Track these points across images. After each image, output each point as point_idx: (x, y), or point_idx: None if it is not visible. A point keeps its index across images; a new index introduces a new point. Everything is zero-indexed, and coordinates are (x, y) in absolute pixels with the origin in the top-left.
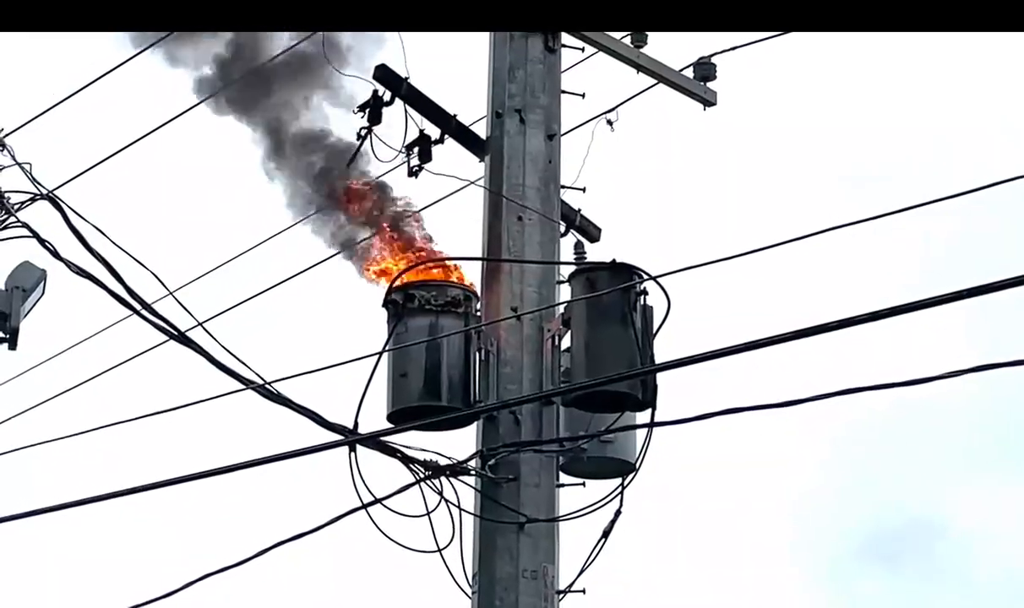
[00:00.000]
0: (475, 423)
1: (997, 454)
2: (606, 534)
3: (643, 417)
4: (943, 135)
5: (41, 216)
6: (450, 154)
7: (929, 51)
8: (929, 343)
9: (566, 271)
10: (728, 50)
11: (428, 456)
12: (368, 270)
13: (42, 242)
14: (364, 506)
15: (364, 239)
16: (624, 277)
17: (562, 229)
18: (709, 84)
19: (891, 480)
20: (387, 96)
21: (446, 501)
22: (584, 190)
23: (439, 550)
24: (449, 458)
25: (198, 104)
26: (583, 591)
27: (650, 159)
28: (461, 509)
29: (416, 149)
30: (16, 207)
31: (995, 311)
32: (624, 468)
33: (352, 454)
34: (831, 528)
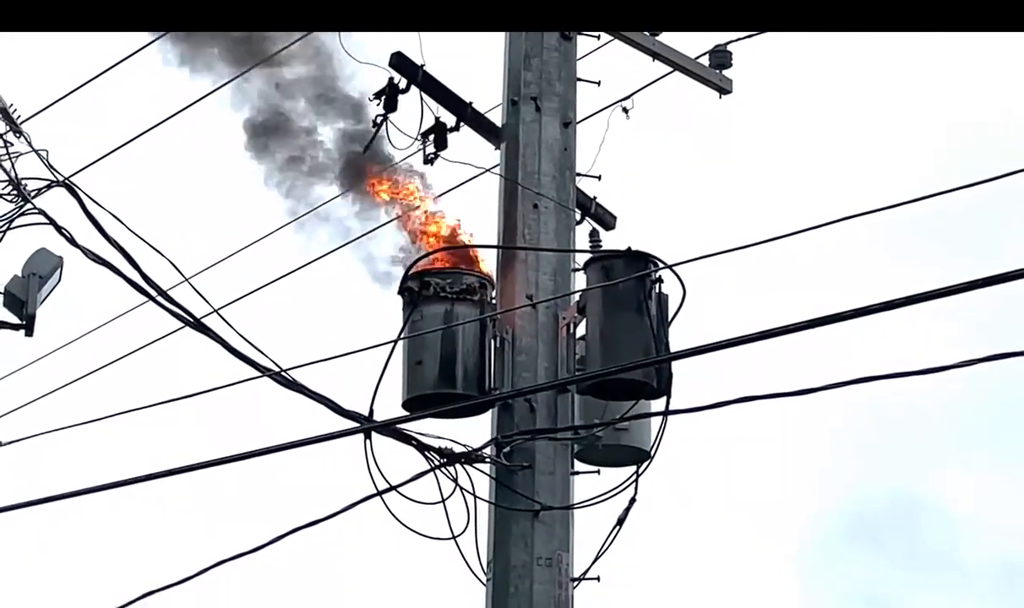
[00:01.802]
0: (490, 411)
1: (985, 436)
2: (621, 522)
3: (658, 405)
4: (956, 126)
5: (58, 203)
6: (466, 142)
7: (946, 40)
8: (939, 333)
9: (581, 259)
10: (744, 38)
11: (443, 443)
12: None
13: (59, 229)
14: (379, 493)
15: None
16: (639, 265)
17: (577, 217)
18: (725, 72)
19: (878, 461)
20: (403, 83)
21: (461, 488)
22: (600, 178)
23: (454, 537)
24: (464, 445)
25: (214, 91)
26: (598, 579)
27: (666, 147)
28: (476, 496)
29: (432, 137)
30: (33, 194)
31: (1003, 302)
32: (639, 456)
33: (367, 441)
34: (816, 509)
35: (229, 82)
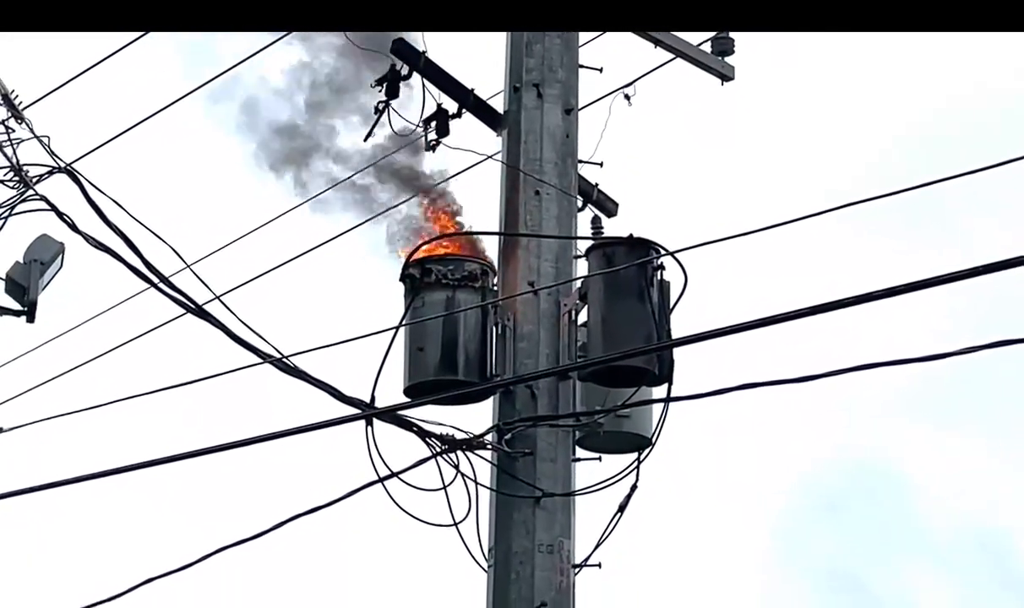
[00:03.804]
0: (492, 397)
1: (948, 404)
2: (622, 508)
3: (659, 392)
4: (967, 109)
5: (59, 189)
6: (468, 128)
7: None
8: (946, 318)
9: (583, 246)
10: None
11: (445, 430)
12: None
13: (60, 215)
14: (381, 480)
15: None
16: (641, 252)
17: (579, 204)
18: (727, 59)
19: (841, 428)
20: (405, 70)
21: (462, 475)
22: (601, 165)
23: (455, 524)
24: (466, 432)
25: (215, 78)
26: (599, 565)
27: (668, 134)
28: (477, 483)
29: (433, 123)
30: (34, 180)
31: (1007, 289)
32: (640, 443)
33: (369, 428)
34: (781, 480)
35: (230, 70)
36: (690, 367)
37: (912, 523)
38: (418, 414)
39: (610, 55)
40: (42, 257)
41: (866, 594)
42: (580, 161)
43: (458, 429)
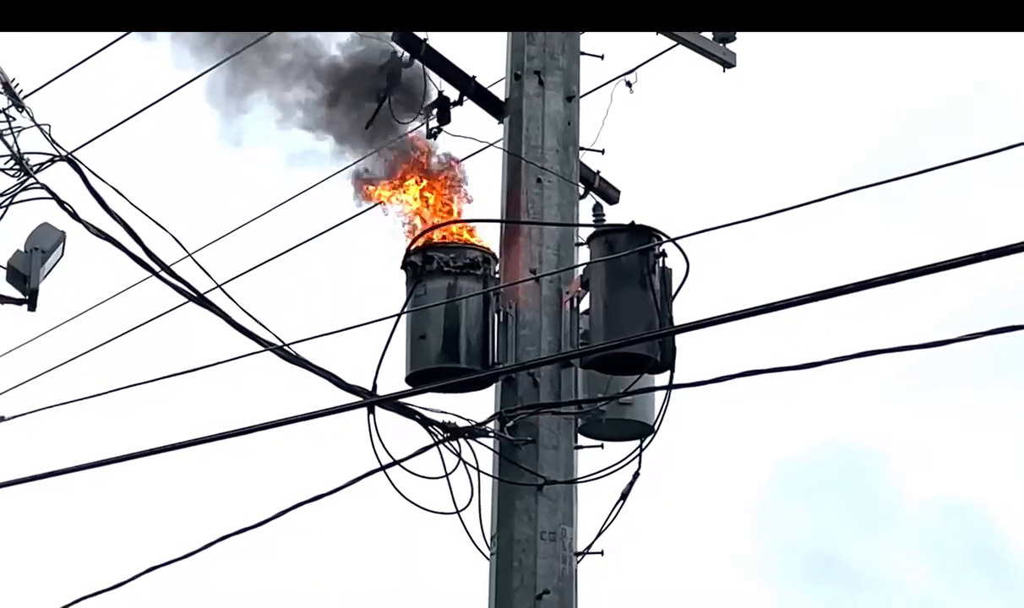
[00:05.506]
0: (494, 385)
1: (925, 384)
2: (624, 496)
3: (661, 379)
4: (972, 96)
5: (60, 178)
6: (469, 116)
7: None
8: (947, 306)
9: (585, 233)
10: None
11: (447, 418)
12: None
13: (61, 204)
14: (383, 468)
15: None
16: (643, 239)
17: (581, 191)
18: (728, 45)
19: (822, 410)
20: (406, 57)
21: (464, 463)
22: (603, 152)
23: (457, 512)
24: (468, 420)
25: (217, 65)
26: (601, 553)
27: (669, 121)
28: (480, 471)
29: (435, 111)
30: (35, 169)
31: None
32: (642, 430)
33: (371, 416)
34: (764, 463)
35: (230, 58)
36: (692, 354)
37: (890, 503)
38: (420, 402)
39: (611, 42)
40: (43, 245)
41: (846, 573)
42: (582, 148)
43: (460, 417)
